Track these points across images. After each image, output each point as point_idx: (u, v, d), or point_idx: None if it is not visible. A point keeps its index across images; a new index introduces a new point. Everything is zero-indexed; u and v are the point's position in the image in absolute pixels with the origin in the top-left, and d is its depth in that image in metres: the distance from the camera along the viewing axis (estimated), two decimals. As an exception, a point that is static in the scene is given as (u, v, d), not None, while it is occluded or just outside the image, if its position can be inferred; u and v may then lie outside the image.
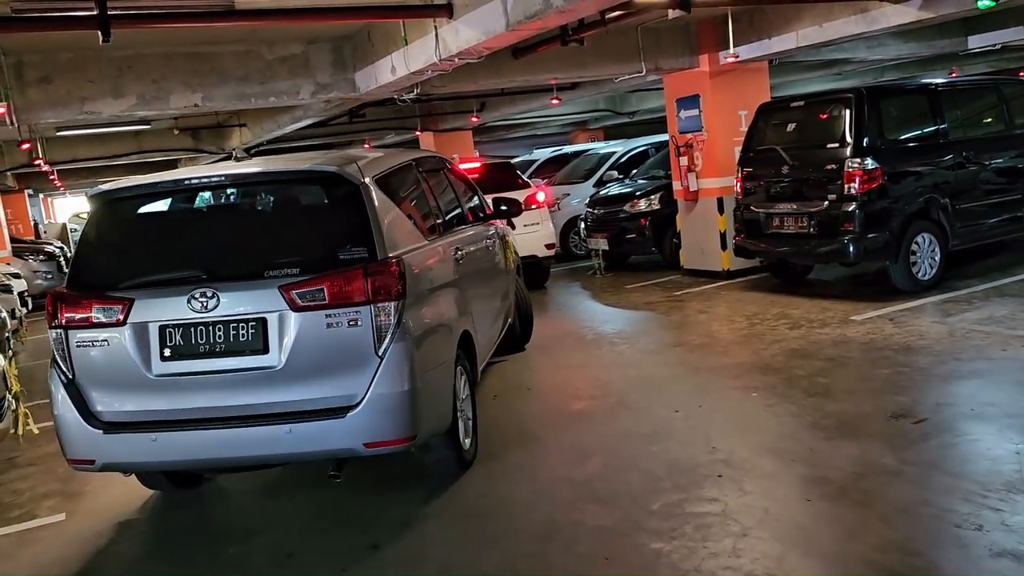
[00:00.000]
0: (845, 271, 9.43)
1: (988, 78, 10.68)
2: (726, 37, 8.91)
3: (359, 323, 3.84)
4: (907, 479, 4.01)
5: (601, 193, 12.40)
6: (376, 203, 4.14)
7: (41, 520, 4.66)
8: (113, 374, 3.99)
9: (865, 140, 7.73)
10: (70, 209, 43.63)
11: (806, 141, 8.33)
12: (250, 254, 4.13)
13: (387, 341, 3.87)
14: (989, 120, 8.85)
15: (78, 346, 4.02)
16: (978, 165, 8.39)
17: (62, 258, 16.87)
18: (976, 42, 11.05)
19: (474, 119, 14.52)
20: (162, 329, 3.94)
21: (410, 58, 6.88)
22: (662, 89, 10.77)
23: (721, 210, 9.89)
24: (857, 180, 7.66)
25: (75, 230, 36.01)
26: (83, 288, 4.07)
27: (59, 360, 4.08)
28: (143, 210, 4.47)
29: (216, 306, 3.88)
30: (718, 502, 3.94)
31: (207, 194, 4.56)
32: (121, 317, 3.94)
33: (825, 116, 8.19)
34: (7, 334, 8.82)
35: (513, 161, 17.77)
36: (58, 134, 13.54)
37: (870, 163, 7.65)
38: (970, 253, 8.83)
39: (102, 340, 3.99)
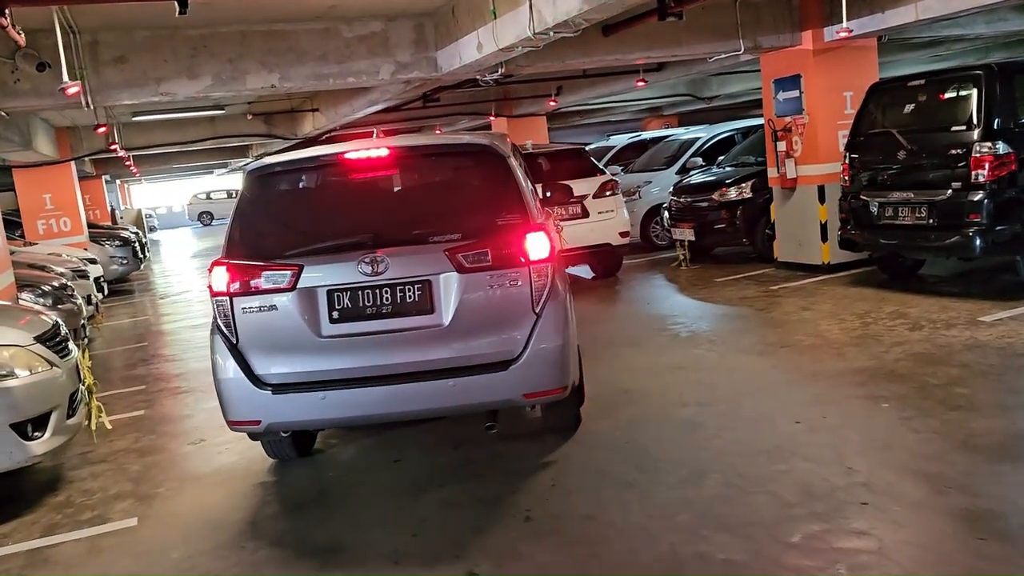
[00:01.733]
0: (959, 266, 8.67)
1: None
2: (833, 11, 8.24)
3: (519, 283, 4.11)
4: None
5: (686, 181, 11.78)
6: (520, 174, 4.47)
7: (113, 525, 4.36)
8: (281, 337, 4.15)
9: (996, 122, 6.99)
10: (146, 196, 44.67)
11: (926, 124, 7.60)
12: (413, 221, 4.36)
13: (543, 299, 4.14)
14: None
15: (244, 312, 4.14)
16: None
17: (137, 244, 16.95)
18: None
19: (551, 103, 14.01)
20: (330, 293, 4.12)
21: (499, 33, 6.40)
22: (746, 72, 10.13)
23: (822, 199, 9.20)
24: (987, 166, 6.93)
25: (150, 216, 36.68)
26: (245, 258, 4.20)
27: (222, 327, 4.20)
28: (302, 183, 4.64)
29: (384, 270, 4.08)
30: (869, 536, 3.40)
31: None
32: (290, 283, 4.10)
33: (949, 96, 7.46)
34: (82, 321, 8.69)
35: (589, 147, 17.32)
36: (134, 119, 13.53)
37: (1002, 147, 6.90)
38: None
39: (270, 305, 4.14)
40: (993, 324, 6.41)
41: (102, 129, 10.88)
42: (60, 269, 9.65)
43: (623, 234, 10.42)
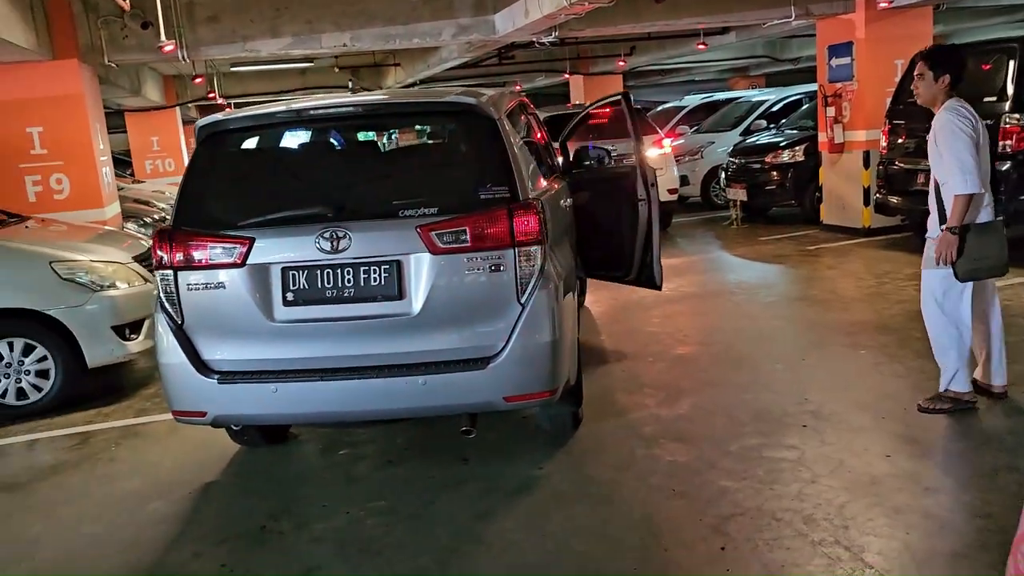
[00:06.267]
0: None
1: None
2: (886, -21, 8.43)
3: (502, 268, 3.58)
4: (1001, 447, 3.91)
5: (744, 143, 12.10)
6: (512, 140, 3.90)
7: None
8: (229, 320, 3.70)
9: (1026, 94, 7.21)
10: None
11: (960, 93, 7.81)
12: (383, 191, 3.85)
13: (530, 288, 3.61)
14: None
15: (189, 289, 3.69)
16: None
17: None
18: None
19: (621, 63, 14.42)
20: (285, 271, 3.63)
21: (542, 0, 7.00)
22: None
23: (867, 164, 9.48)
24: (1014, 137, 7.18)
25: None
26: (194, 227, 3.74)
27: (166, 304, 3.75)
28: (260, 144, 4.26)
29: (347, 247, 3.58)
30: (796, 449, 4.01)
31: (329, 127, 4.38)
32: (240, 258, 3.64)
33: (986, 67, 7.66)
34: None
35: (663, 107, 17.63)
36: (232, 70, 14.63)
37: (1029, 119, 7.14)
38: None
39: (217, 283, 3.68)
40: (1001, 288, 6.71)
41: (199, 80, 11.94)
42: (162, 204, 10.82)
43: (672, 191, 10.89)
